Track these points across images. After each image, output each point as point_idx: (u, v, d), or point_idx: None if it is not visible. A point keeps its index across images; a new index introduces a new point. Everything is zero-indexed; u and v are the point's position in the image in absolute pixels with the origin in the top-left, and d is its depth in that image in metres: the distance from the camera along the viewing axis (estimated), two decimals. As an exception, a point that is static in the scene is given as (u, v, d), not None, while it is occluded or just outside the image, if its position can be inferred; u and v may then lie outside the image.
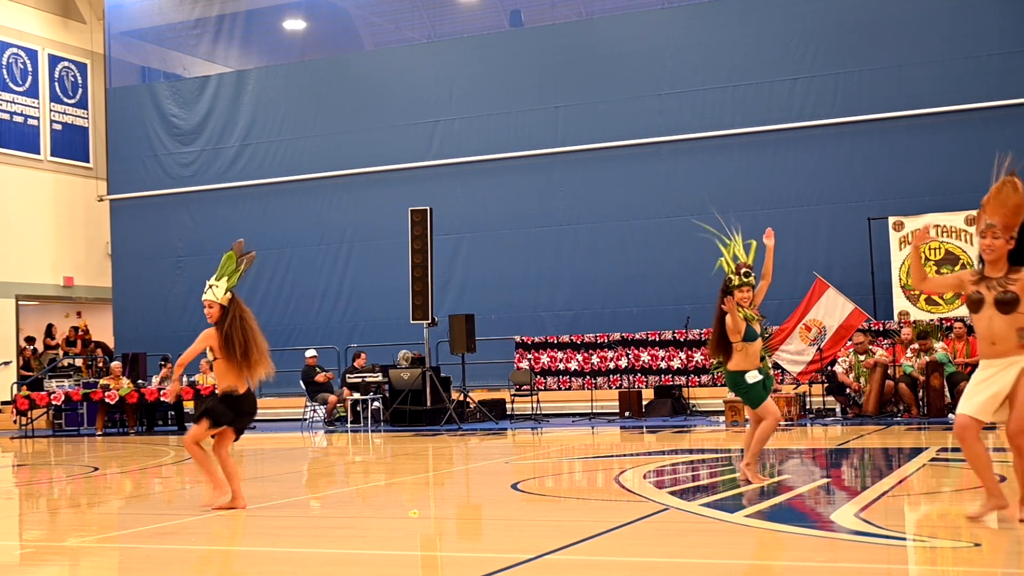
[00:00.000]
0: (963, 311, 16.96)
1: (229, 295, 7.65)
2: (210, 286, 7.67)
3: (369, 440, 15.91)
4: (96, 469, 12.27)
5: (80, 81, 26.04)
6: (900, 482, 8.31)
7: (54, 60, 25.45)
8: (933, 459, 9.99)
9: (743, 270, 8.00)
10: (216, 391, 7.78)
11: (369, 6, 24.66)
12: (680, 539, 6.14)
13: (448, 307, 20.41)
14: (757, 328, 8.01)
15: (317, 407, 18.98)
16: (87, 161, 25.98)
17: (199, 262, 23.64)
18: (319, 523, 7.38)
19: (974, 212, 17.43)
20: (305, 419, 19.13)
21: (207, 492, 8.06)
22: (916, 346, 15.65)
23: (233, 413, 7.63)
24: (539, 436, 15.21)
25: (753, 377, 7.99)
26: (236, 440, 7.92)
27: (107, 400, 18.52)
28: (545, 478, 9.81)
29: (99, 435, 18.64)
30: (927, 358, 15.36)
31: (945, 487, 8.30)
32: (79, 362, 23.73)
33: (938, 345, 15.48)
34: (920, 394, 15.48)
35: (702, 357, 18.14)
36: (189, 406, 19.27)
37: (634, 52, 20.91)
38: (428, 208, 18.18)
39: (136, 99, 24.78)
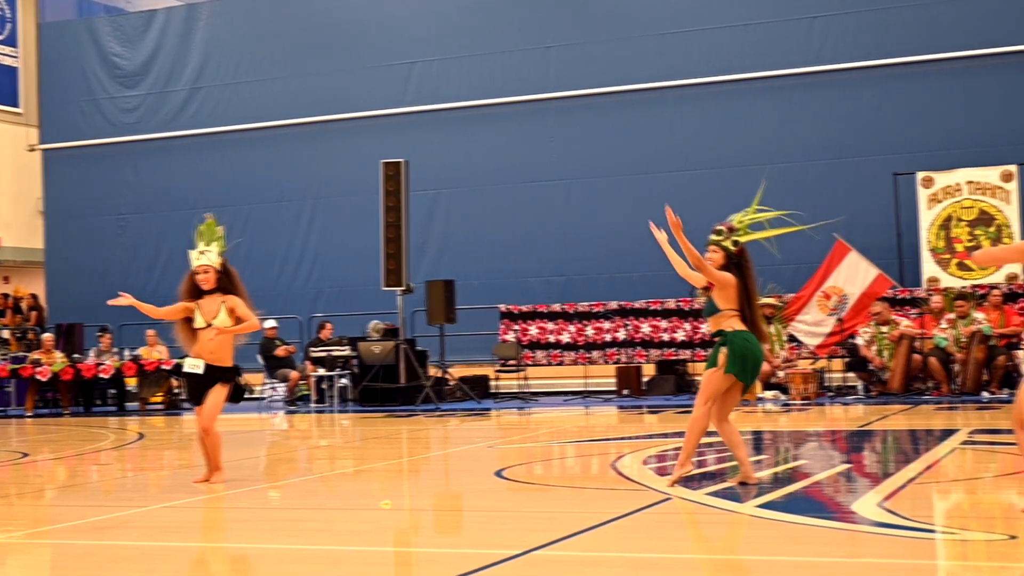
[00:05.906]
0: (998, 277, 16.99)
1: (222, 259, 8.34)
2: (202, 252, 8.32)
3: (335, 422, 15.90)
4: (26, 455, 12.22)
5: (8, 15, 25.77)
6: (929, 468, 8.34)
7: (-22, -8, 25.18)
8: (966, 442, 10.02)
9: (717, 227, 7.82)
10: (232, 365, 8.44)
11: (335, -68, 24.44)
12: (684, 531, 6.15)
13: (425, 272, 20.36)
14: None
15: (277, 384, 18.96)
16: (16, 106, 25.76)
17: (143, 220, 23.55)
18: (278, 515, 7.37)
19: (1011, 167, 17.62)
20: (263, 398, 19.11)
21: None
22: (952, 315, 15.66)
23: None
24: (527, 417, 15.23)
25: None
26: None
27: (38, 377, 18.42)
28: (533, 464, 9.83)
29: (29, 416, 18.58)
30: (970, 327, 15.38)
31: (979, 473, 8.33)
32: (7, 334, 23.57)
33: (980, 316, 15.48)
34: (955, 369, 15.51)
35: (709, 328, 18.14)
36: (131, 383, 19.21)
37: (634, -15, 20.79)
38: (403, 160, 18.10)
39: (72, 36, 24.55)
